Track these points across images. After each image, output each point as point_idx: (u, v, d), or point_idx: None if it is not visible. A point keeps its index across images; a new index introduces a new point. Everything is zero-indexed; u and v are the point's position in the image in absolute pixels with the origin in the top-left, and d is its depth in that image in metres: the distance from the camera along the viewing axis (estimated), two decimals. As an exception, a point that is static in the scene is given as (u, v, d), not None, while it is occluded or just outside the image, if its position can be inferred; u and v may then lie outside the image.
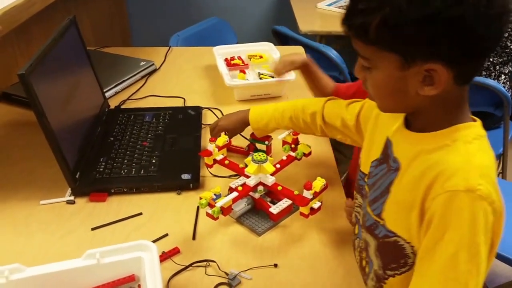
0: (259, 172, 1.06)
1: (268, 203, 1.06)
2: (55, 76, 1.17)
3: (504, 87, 1.96)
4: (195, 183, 1.16)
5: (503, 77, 2.08)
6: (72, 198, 1.13)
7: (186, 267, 0.95)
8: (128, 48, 2.02)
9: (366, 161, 0.90)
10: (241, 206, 1.07)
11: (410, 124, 0.80)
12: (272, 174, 1.06)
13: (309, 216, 1.00)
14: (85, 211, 1.10)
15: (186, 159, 1.24)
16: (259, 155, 1.06)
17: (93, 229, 1.05)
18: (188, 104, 1.55)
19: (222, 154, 1.16)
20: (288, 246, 1.01)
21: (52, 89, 1.12)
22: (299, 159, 1.16)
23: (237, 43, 2.39)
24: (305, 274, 0.94)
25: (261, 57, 1.72)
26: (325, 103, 1.09)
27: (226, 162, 1.14)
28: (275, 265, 0.96)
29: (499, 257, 1.47)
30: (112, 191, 1.14)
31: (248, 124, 1.19)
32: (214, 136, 1.21)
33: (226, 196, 1.00)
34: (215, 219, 0.98)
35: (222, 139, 1.16)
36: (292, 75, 1.52)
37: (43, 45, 1.12)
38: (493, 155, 0.74)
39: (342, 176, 1.25)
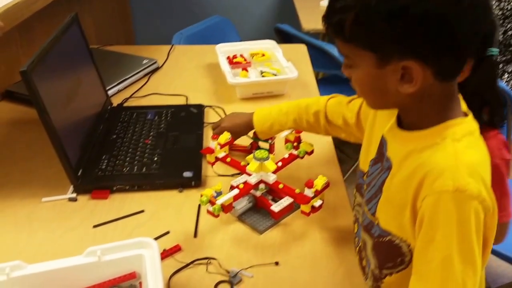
0: (261, 170, 1.06)
1: (270, 201, 1.06)
2: (57, 73, 1.17)
3: (507, 85, 1.95)
4: (197, 181, 1.16)
5: (506, 75, 2.07)
6: (74, 195, 1.13)
7: (187, 264, 0.95)
8: (131, 46, 2.03)
9: (365, 159, 0.90)
10: (243, 204, 1.07)
11: (402, 121, 0.79)
12: (273, 172, 1.06)
13: (310, 214, 1.00)
14: (87, 208, 1.10)
15: (188, 157, 1.24)
16: (261, 153, 1.06)
17: (94, 226, 1.05)
18: (191, 102, 1.54)
19: (224, 152, 1.16)
20: (289, 244, 1.01)
21: (54, 86, 1.12)
22: (301, 158, 1.15)
23: (240, 41, 2.39)
24: (306, 272, 0.94)
25: (263, 55, 1.71)
26: (327, 101, 1.09)
27: (228, 159, 1.14)
28: (276, 263, 0.96)
29: (503, 257, 1.45)
30: (114, 188, 1.14)
31: (252, 128, 1.19)
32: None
33: (227, 193, 1.00)
34: (216, 216, 0.98)
35: (224, 136, 1.15)
36: (294, 73, 1.52)
37: (45, 42, 1.12)
38: (484, 149, 0.73)
39: (344, 175, 1.25)
